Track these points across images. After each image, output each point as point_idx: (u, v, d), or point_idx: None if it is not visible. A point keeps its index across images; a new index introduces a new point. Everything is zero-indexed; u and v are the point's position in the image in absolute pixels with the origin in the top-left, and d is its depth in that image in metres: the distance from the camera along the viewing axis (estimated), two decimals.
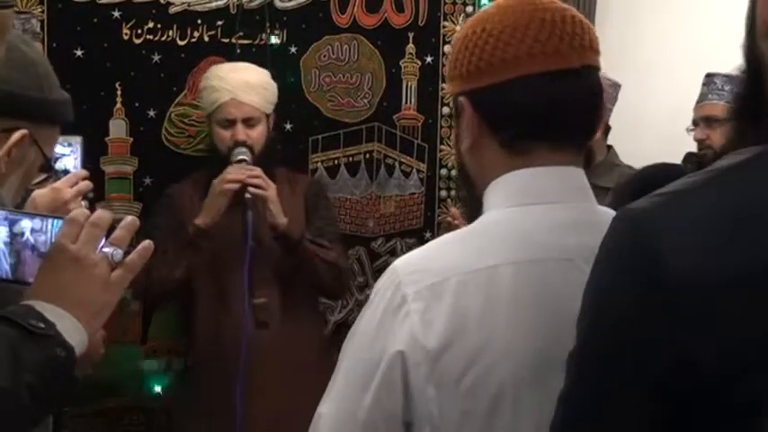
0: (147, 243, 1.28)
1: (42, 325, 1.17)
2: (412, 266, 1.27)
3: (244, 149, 2.85)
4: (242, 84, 2.91)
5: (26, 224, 1.28)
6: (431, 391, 1.21)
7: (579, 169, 1.32)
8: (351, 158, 3.34)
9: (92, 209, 3.01)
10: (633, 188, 1.94)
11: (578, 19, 1.31)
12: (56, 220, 1.29)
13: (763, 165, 0.93)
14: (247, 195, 2.79)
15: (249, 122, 2.89)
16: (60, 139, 2.08)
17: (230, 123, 2.89)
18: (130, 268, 1.26)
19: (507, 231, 1.28)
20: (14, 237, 1.27)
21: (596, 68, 1.31)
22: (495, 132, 1.30)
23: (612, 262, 0.95)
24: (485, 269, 1.23)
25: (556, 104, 1.27)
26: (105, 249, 1.24)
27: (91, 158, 3.02)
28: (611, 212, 1.26)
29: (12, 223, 1.27)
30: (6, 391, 1.11)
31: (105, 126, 3.14)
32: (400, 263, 1.29)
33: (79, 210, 1.25)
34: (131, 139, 3.17)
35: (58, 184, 2.05)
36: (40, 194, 2.05)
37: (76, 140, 2.12)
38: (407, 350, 1.21)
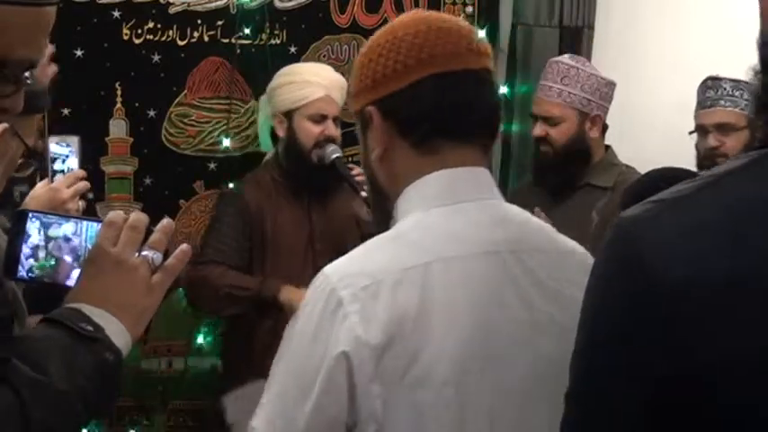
0: (185, 247, 1.26)
1: (91, 328, 1.15)
2: (343, 271, 1.30)
3: (336, 146, 2.87)
4: (336, 83, 2.94)
5: (61, 227, 1.27)
6: (376, 389, 1.23)
7: (486, 169, 1.39)
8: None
9: (91, 209, 3.03)
10: (637, 192, 1.94)
11: (470, 29, 1.40)
12: (90, 223, 1.28)
13: (757, 171, 0.93)
14: (364, 194, 2.75)
15: (335, 121, 2.92)
16: (57, 139, 2.09)
17: (322, 119, 2.89)
18: (170, 272, 1.24)
19: (435, 230, 1.33)
20: (49, 240, 1.26)
21: (492, 73, 1.40)
22: (406, 135, 1.35)
23: (605, 269, 0.97)
24: (418, 266, 1.27)
25: (460, 102, 1.34)
26: (144, 252, 1.23)
27: (91, 159, 3.04)
28: (519, 209, 1.40)
29: (47, 227, 1.26)
30: (63, 394, 1.10)
31: (105, 126, 3.14)
32: (330, 270, 1.31)
33: (117, 212, 1.24)
34: (131, 139, 3.17)
35: (55, 184, 2.05)
36: (38, 195, 2.05)
37: (73, 140, 2.12)
38: (351, 350, 1.23)
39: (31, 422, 1.07)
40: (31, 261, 1.24)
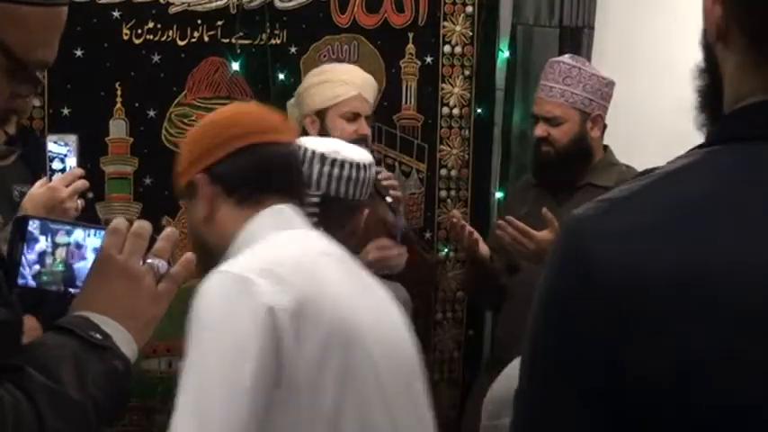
0: (189, 255, 1.26)
1: (100, 336, 1.15)
2: (239, 264, 1.49)
3: (368, 148, 2.84)
4: (368, 82, 2.96)
5: (73, 234, 1.26)
6: (295, 346, 1.41)
7: (297, 206, 1.69)
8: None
9: (91, 209, 3.02)
10: None
11: (279, 114, 1.80)
12: (98, 230, 1.27)
13: (698, 171, 0.94)
14: (389, 199, 2.77)
15: (367, 120, 2.92)
16: (56, 138, 2.08)
17: (355, 118, 2.90)
18: (176, 280, 1.24)
19: (285, 242, 1.58)
20: (57, 246, 1.25)
21: (294, 144, 1.82)
22: (231, 194, 1.64)
23: (551, 267, 0.97)
24: (306, 255, 1.56)
25: (275, 165, 1.67)
26: (149, 261, 1.22)
27: (91, 159, 3.04)
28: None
29: (53, 233, 1.25)
30: (76, 403, 1.10)
31: (105, 126, 3.14)
32: (224, 267, 1.48)
33: (120, 220, 1.23)
34: (131, 139, 3.17)
35: (53, 183, 2.04)
36: (36, 194, 2.05)
37: (72, 139, 2.11)
38: (274, 306, 1.40)
39: (46, 430, 1.06)
40: (37, 267, 1.23)
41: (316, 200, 2.08)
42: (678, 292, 0.87)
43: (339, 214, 2.12)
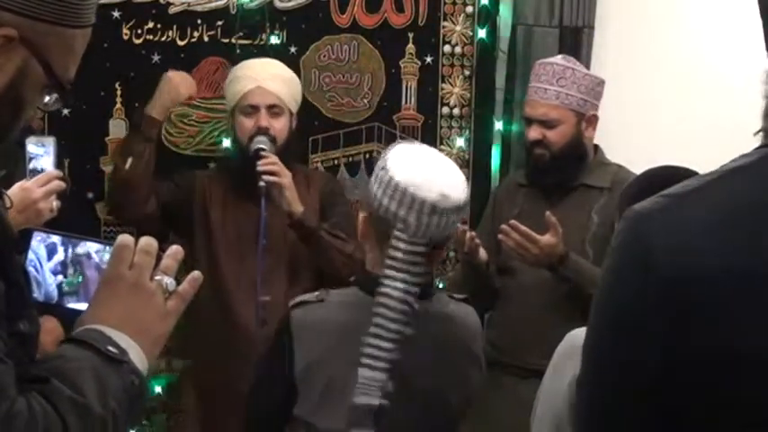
0: (196, 274, 1.25)
1: (116, 351, 1.14)
2: None
3: (263, 138, 2.82)
4: (268, 73, 2.92)
5: (86, 245, 1.26)
6: None
7: None
8: (350, 158, 3.34)
9: (91, 209, 3.02)
10: (636, 189, 1.97)
11: None
12: (106, 245, 1.27)
13: (754, 171, 0.95)
14: (261, 183, 2.75)
15: (273, 110, 2.88)
16: (35, 139, 2.10)
17: (254, 110, 2.87)
18: (184, 298, 1.23)
19: None
20: (79, 257, 1.25)
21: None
22: None
23: (613, 259, 1.00)
24: None
25: None
26: (158, 278, 1.21)
27: (91, 158, 3.06)
28: None
29: (74, 245, 1.25)
30: (99, 417, 1.09)
31: (105, 126, 3.16)
32: None
33: (126, 236, 1.22)
34: None
35: (27, 183, 2.05)
36: (11, 194, 2.05)
37: (49, 141, 2.13)
38: None
39: None
40: (60, 278, 1.23)
41: (364, 214, 1.94)
42: (735, 285, 0.89)
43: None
